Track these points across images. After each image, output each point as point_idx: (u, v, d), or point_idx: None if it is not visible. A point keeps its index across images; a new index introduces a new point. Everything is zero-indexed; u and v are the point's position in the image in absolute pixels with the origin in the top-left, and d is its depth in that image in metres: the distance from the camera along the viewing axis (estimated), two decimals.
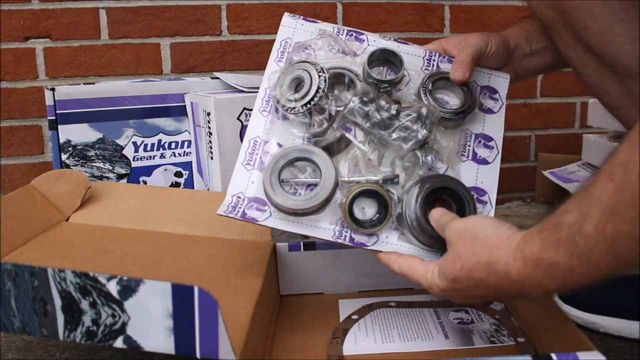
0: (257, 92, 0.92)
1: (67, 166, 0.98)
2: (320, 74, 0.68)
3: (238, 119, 0.90)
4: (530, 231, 0.52)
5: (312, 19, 0.76)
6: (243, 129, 0.90)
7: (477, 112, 0.73)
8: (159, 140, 1.03)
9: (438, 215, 0.63)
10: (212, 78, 1.05)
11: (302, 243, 0.81)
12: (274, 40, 0.75)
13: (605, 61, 0.65)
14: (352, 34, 0.75)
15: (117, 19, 1.28)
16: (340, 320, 0.75)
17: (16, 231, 0.72)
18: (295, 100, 0.68)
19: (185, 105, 1.02)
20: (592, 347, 0.54)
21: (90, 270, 0.52)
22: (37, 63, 1.26)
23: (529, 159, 1.51)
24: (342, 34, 0.75)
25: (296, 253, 0.81)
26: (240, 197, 0.67)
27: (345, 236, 0.66)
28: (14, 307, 0.55)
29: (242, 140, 0.90)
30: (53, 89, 0.96)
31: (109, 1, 1.27)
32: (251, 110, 0.90)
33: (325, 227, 0.66)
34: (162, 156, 1.03)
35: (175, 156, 1.04)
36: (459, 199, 0.66)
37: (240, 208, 0.66)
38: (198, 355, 0.51)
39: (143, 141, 1.02)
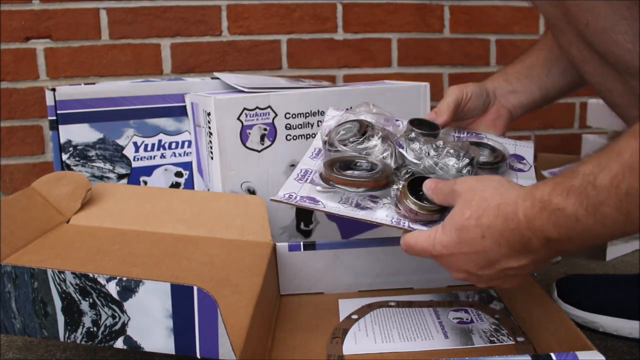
0: (257, 92, 0.93)
1: (68, 166, 0.98)
2: (365, 117, 0.75)
3: (238, 119, 0.90)
4: (545, 179, 0.53)
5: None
6: (243, 129, 0.90)
7: (508, 170, 0.75)
8: (160, 141, 1.03)
9: (432, 184, 0.63)
10: (212, 78, 1.05)
11: (302, 243, 0.81)
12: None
13: (607, 59, 0.65)
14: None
15: (117, 19, 1.28)
16: (340, 320, 0.75)
17: (17, 233, 0.73)
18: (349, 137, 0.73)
19: (185, 106, 1.02)
20: (591, 347, 0.55)
21: (90, 271, 0.52)
22: (37, 63, 1.27)
23: None
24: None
25: (296, 253, 0.81)
26: (292, 195, 0.69)
27: (404, 224, 0.65)
28: (14, 309, 0.55)
29: (242, 141, 0.90)
30: (54, 89, 0.96)
31: (109, 2, 1.27)
32: (251, 110, 0.90)
33: (382, 218, 0.66)
34: (163, 156, 1.03)
35: (175, 156, 1.04)
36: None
37: (294, 200, 0.68)
38: (198, 355, 0.51)
39: (143, 141, 1.02)
